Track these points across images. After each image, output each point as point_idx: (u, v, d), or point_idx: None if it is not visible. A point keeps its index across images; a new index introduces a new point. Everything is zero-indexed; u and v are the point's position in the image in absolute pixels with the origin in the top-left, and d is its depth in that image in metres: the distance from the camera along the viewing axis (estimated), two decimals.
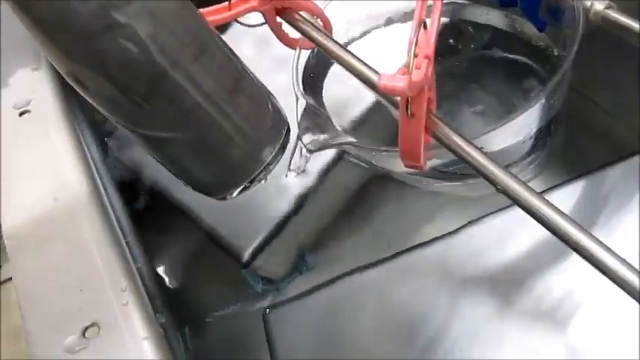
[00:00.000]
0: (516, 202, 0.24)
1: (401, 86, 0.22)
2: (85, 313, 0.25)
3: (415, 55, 0.24)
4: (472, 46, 0.40)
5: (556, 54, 0.37)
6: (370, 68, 0.28)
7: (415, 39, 0.24)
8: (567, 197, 0.33)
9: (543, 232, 0.32)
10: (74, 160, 0.31)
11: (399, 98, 0.25)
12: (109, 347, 0.24)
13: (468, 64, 0.40)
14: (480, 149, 0.25)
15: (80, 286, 0.26)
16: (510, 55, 0.39)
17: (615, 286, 0.28)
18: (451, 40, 0.40)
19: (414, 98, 0.24)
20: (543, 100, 0.29)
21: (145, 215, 0.41)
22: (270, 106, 0.30)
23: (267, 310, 0.35)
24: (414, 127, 0.25)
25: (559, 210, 0.22)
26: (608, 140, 0.40)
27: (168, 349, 0.24)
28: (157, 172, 0.39)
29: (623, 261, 0.22)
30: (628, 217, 0.32)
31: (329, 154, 0.39)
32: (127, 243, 0.28)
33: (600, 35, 0.33)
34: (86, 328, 0.25)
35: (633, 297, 0.21)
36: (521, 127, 0.30)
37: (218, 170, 0.30)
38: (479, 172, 0.25)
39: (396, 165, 0.33)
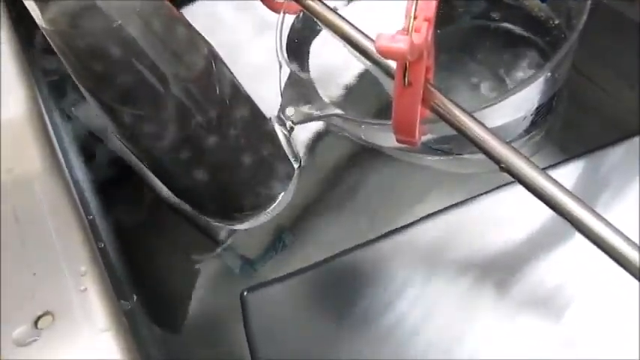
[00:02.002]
0: (522, 181, 0.22)
1: (401, 48, 0.19)
2: (38, 301, 0.23)
3: (415, 17, 0.22)
4: (467, 15, 0.38)
5: (557, 26, 0.35)
6: (363, 34, 0.26)
7: None
8: (564, 178, 0.32)
9: (540, 214, 0.31)
10: (32, 129, 0.28)
11: (394, 66, 0.23)
12: (63, 339, 0.21)
13: (462, 34, 0.38)
14: (482, 123, 0.23)
15: (33, 270, 0.23)
16: (508, 26, 0.37)
17: (612, 276, 0.27)
18: (445, 9, 0.38)
19: (413, 65, 0.22)
20: (549, 73, 0.27)
21: (114, 190, 0.38)
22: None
23: (246, 292, 0.33)
24: (411, 97, 0.23)
25: (571, 193, 0.20)
26: (606, 120, 0.38)
27: (133, 341, 0.22)
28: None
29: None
30: (628, 199, 0.31)
31: (314, 126, 0.37)
32: (89, 220, 0.25)
33: (599, 12, 0.31)
34: (38, 318, 0.22)
35: None
36: (524, 101, 0.28)
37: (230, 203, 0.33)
38: (480, 149, 0.23)
39: (387, 140, 0.31)
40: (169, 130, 0.27)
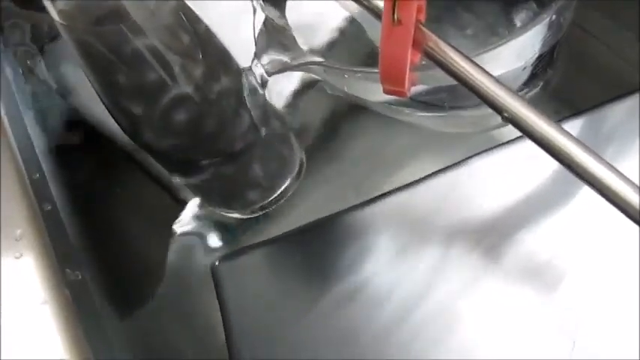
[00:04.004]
0: (526, 131, 0.19)
1: None
2: None
3: None
4: None
5: None
6: None
7: None
8: None
9: (536, 177, 0.29)
10: None
11: (382, 6, 0.20)
12: None
13: None
14: (482, 68, 0.20)
15: None
16: None
17: (611, 245, 0.25)
18: None
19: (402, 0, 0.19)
20: (554, 16, 0.24)
21: (77, 151, 0.35)
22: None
23: (217, 262, 0.30)
24: (400, 38, 0.21)
25: (584, 144, 0.18)
26: (608, 76, 0.36)
27: (76, 315, 0.19)
28: (96, 102, 0.34)
29: None
30: (630, 157, 0.29)
31: (292, 80, 0.35)
32: (33, 180, 0.22)
33: None
34: None
35: None
36: (526, 47, 0.26)
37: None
38: (480, 96, 0.20)
39: (373, 92, 0.28)
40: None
